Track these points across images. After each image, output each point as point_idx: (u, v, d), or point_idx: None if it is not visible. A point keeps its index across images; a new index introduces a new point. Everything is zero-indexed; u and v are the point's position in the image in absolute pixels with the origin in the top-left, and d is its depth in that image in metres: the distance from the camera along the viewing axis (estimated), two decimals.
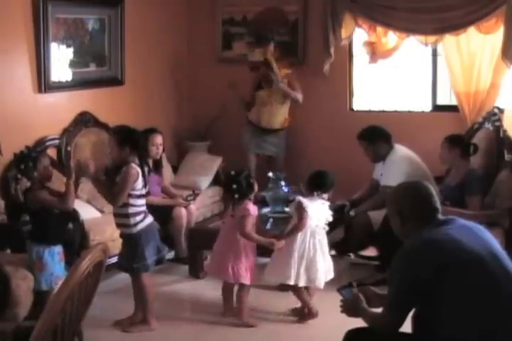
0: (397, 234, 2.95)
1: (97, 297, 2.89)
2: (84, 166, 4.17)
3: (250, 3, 6.90)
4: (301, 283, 4.38)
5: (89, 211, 5.28)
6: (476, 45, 6.11)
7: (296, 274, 4.34)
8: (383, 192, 5.12)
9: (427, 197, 2.90)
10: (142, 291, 4.30)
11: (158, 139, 5.51)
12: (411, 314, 2.82)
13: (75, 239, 4.36)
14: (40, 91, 5.48)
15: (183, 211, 5.45)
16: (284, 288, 4.67)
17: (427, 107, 6.66)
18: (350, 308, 3.00)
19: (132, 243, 4.24)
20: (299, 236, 4.38)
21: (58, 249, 4.23)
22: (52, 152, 5.42)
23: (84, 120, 5.84)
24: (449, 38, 6.14)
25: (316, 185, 4.45)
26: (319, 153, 6.71)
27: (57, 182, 4.49)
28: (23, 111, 5.37)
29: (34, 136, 5.37)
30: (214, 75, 7.01)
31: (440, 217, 2.88)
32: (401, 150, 5.42)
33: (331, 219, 4.51)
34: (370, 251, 5.30)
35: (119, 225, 4.30)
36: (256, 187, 4.47)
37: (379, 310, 2.91)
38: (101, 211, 5.40)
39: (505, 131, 5.53)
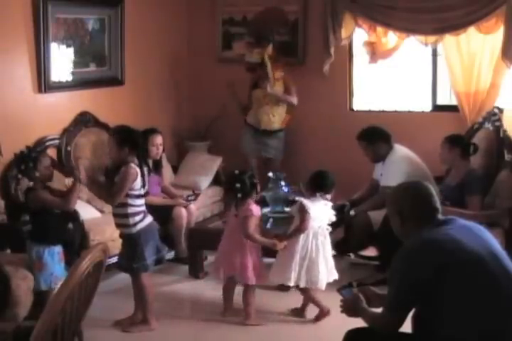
0: (397, 234, 2.95)
1: (97, 297, 2.89)
2: (71, 170, 4.20)
3: (250, 3, 6.90)
4: (302, 284, 4.38)
5: (89, 211, 5.28)
6: (476, 45, 6.10)
7: (297, 275, 4.35)
8: (383, 193, 5.12)
9: (427, 197, 2.90)
10: (142, 291, 4.30)
11: (158, 139, 5.52)
12: (411, 314, 2.82)
13: (75, 239, 4.36)
14: (40, 91, 5.48)
15: (183, 211, 5.45)
16: (284, 288, 4.67)
17: (427, 107, 6.66)
18: (350, 308, 3.00)
19: (132, 243, 4.25)
20: (301, 237, 4.38)
21: (58, 249, 4.24)
22: (52, 152, 5.41)
23: (84, 120, 5.84)
24: (449, 38, 6.13)
25: (318, 185, 4.44)
26: (319, 153, 6.70)
27: (57, 182, 4.49)
28: (23, 111, 5.37)
29: (34, 136, 5.37)
30: (214, 75, 7.00)
31: (440, 217, 2.88)
32: (401, 151, 5.42)
33: (334, 219, 4.51)
34: (370, 251, 5.31)
35: (118, 225, 4.30)
36: (259, 188, 4.49)
37: (379, 310, 2.92)
38: (101, 211, 5.40)
39: (505, 131, 5.53)
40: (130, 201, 4.17)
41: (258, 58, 6.30)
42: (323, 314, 4.41)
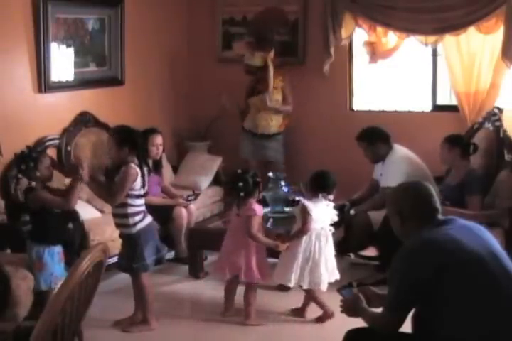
0: (397, 234, 2.95)
1: (97, 297, 2.89)
2: (75, 168, 4.18)
3: (250, 3, 6.89)
4: (305, 286, 4.38)
5: (89, 211, 5.28)
6: (476, 45, 6.10)
7: (298, 277, 4.34)
8: (383, 193, 5.12)
9: (427, 197, 2.90)
10: (142, 291, 4.30)
11: (158, 139, 5.51)
12: (411, 314, 2.82)
13: (74, 239, 4.36)
14: (40, 91, 5.48)
15: (183, 211, 5.45)
16: (284, 288, 4.67)
17: (427, 107, 6.66)
18: (350, 308, 3.00)
19: (131, 243, 4.25)
20: (304, 239, 4.37)
21: (58, 249, 4.23)
22: (52, 152, 5.41)
23: (84, 120, 5.84)
24: (449, 38, 6.13)
25: (320, 186, 4.42)
26: (319, 153, 6.70)
27: (57, 182, 4.49)
28: (23, 111, 5.37)
29: (34, 136, 5.37)
30: (214, 75, 7.00)
31: (440, 217, 2.89)
32: (400, 151, 5.42)
33: (336, 219, 4.50)
34: (370, 251, 5.30)
35: (118, 225, 4.30)
36: (261, 188, 4.49)
37: (379, 310, 2.92)
38: (101, 211, 5.40)
39: (505, 131, 5.53)
40: (130, 201, 4.17)
41: (260, 62, 6.27)
42: (326, 316, 4.40)
